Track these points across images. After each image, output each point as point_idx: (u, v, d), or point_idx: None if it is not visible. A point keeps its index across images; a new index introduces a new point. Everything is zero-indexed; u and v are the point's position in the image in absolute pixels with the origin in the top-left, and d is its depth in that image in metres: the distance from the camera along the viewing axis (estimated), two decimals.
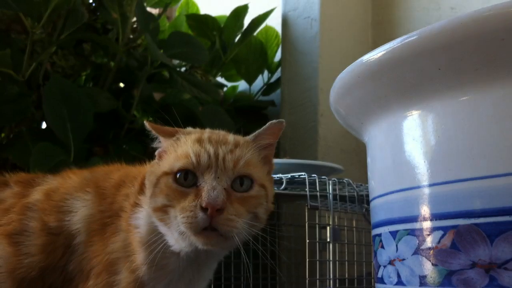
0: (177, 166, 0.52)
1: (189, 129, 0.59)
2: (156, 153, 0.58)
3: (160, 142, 0.58)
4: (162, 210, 0.52)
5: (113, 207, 0.57)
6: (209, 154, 0.52)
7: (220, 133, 0.58)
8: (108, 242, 0.56)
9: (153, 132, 0.57)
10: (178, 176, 0.52)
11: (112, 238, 0.56)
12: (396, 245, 0.44)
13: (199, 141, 0.55)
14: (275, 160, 0.97)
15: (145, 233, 0.55)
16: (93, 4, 1.24)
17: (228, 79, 1.60)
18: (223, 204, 0.49)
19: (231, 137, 0.57)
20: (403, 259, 0.43)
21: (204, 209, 0.49)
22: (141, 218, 0.56)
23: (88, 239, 0.56)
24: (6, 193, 0.61)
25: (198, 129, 0.59)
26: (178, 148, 0.55)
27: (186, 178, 0.52)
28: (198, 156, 0.52)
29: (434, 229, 0.40)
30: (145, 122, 0.57)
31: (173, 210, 0.51)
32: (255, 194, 0.54)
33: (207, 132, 0.57)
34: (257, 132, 0.58)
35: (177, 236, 0.52)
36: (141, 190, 0.57)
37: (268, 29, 1.53)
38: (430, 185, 0.41)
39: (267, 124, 0.58)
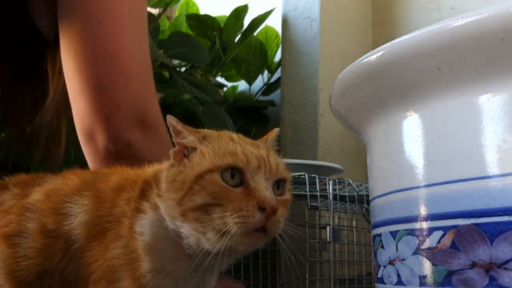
0: (225, 163, 0.51)
1: (200, 130, 0.57)
2: (171, 152, 0.55)
3: (184, 138, 0.55)
4: (202, 210, 0.50)
5: (113, 212, 0.55)
6: (255, 154, 0.52)
7: (240, 136, 0.57)
8: (108, 248, 0.54)
9: (178, 128, 0.55)
10: (224, 174, 0.50)
11: (112, 244, 0.54)
12: (396, 245, 0.44)
13: (234, 141, 0.54)
14: None
15: (151, 240, 0.53)
16: None
17: (228, 79, 1.60)
18: (276, 205, 0.50)
19: (253, 140, 0.56)
20: (403, 259, 0.43)
21: (261, 209, 0.49)
22: (145, 224, 0.54)
23: (86, 244, 0.54)
24: (5, 196, 0.60)
25: (213, 131, 0.58)
26: (216, 146, 0.53)
27: (233, 176, 0.50)
28: (246, 155, 0.51)
29: (434, 229, 0.40)
30: (168, 117, 0.55)
31: (219, 209, 0.50)
32: (288, 197, 0.55)
33: (234, 135, 0.56)
34: (267, 139, 0.59)
35: (213, 236, 0.50)
36: (143, 195, 0.55)
37: (268, 29, 1.53)
38: (430, 185, 0.41)
39: (274, 131, 0.60)
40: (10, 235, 0.55)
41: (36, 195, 0.59)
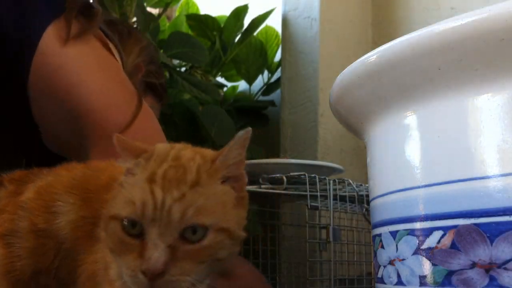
0: (123, 213, 0.46)
1: (160, 146, 0.51)
2: (125, 170, 0.51)
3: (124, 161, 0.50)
4: (113, 251, 0.48)
5: (98, 213, 0.52)
6: (156, 203, 0.45)
7: (183, 161, 0.50)
8: (91, 250, 0.53)
9: (118, 150, 0.50)
10: (124, 224, 0.46)
11: (95, 247, 0.52)
12: (396, 245, 0.44)
13: (151, 180, 0.47)
14: (275, 160, 0.98)
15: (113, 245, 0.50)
16: None
17: (228, 79, 1.60)
18: (163, 267, 0.44)
19: (192, 170, 0.48)
20: (403, 259, 0.43)
21: (144, 272, 0.45)
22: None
23: (74, 245, 0.53)
24: (0, 194, 0.59)
25: (165, 150, 0.50)
26: (130, 185, 0.48)
27: (134, 226, 0.46)
28: (143, 206, 0.45)
29: (434, 229, 0.40)
30: (114, 136, 0.49)
31: (119, 259, 0.47)
32: (209, 244, 0.47)
33: (167, 163, 0.49)
34: (227, 148, 0.50)
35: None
36: None
37: (268, 29, 1.53)
38: (430, 185, 0.41)
39: (236, 137, 0.49)
40: (4, 235, 0.55)
41: (28, 192, 0.57)
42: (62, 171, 0.59)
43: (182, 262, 0.46)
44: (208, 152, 0.51)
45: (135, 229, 0.46)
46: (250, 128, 0.49)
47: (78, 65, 0.73)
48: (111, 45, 0.81)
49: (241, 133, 0.49)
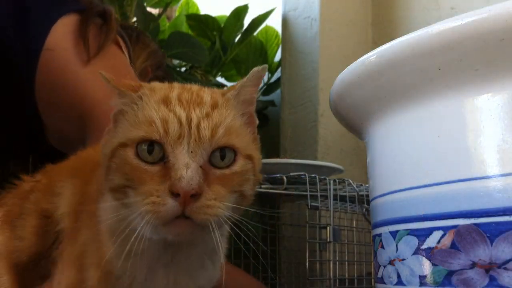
0: (138, 136, 0.41)
1: (155, 83, 0.47)
2: (112, 115, 0.46)
3: (118, 99, 0.46)
4: (121, 192, 0.42)
5: (88, 193, 0.50)
6: (180, 120, 0.41)
7: (193, 89, 0.46)
8: (80, 232, 0.49)
9: (110, 86, 0.45)
10: (140, 148, 0.41)
11: (83, 229, 0.49)
12: (396, 245, 0.44)
13: (166, 101, 0.43)
14: (275, 160, 0.98)
15: (111, 223, 0.46)
16: None
17: (228, 79, 1.60)
18: (199, 188, 0.39)
19: (207, 94, 0.45)
20: (403, 259, 0.43)
21: (175, 195, 0.39)
22: (105, 206, 0.47)
23: (66, 227, 0.50)
24: (26, 184, 0.58)
25: (165, 84, 0.47)
26: (139, 110, 0.43)
27: (151, 151, 0.41)
28: (166, 123, 0.41)
29: (434, 229, 0.40)
30: (100, 72, 0.45)
31: (133, 193, 0.41)
32: (240, 170, 0.43)
33: (176, 88, 0.45)
34: (240, 83, 0.46)
35: (141, 222, 0.41)
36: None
37: (268, 29, 1.53)
38: (430, 185, 0.41)
39: (252, 72, 0.46)
40: (11, 219, 0.54)
41: (39, 175, 0.56)
42: (72, 155, 0.57)
43: (215, 186, 0.41)
44: (216, 89, 0.48)
45: (153, 154, 0.41)
46: (266, 65, 0.47)
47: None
48: (121, 42, 0.82)
49: (256, 69, 0.46)
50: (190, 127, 0.41)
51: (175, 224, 0.40)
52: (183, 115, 0.41)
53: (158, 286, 0.48)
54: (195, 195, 0.39)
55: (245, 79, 0.46)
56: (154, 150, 0.41)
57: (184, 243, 0.47)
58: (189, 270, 0.49)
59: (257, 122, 0.49)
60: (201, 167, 0.41)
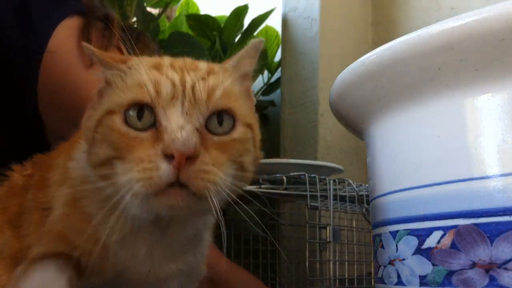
0: (127, 99, 0.38)
1: (145, 57, 0.45)
2: (96, 92, 0.44)
3: (104, 71, 0.43)
4: (107, 165, 0.38)
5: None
6: (173, 81, 0.38)
7: (187, 59, 0.44)
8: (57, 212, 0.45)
9: (95, 58, 0.42)
10: (129, 114, 0.38)
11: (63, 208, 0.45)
12: (396, 245, 0.44)
13: (158, 66, 0.40)
14: (275, 160, 0.98)
15: (95, 202, 0.42)
16: None
17: None
18: (195, 149, 0.35)
19: (202, 63, 0.43)
20: (403, 259, 0.43)
21: (168, 158, 0.35)
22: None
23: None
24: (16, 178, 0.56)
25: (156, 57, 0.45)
26: (128, 77, 0.40)
27: (141, 116, 0.38)
28: (158, 85, 0.38)
29: (434, 229, 0.40)
30: (83, 44, 0.43)
31: (121, 163, 0.37)
32: (239, 137, 0.40)
33: (168, 58, 0.43)
34: (238, 55, 0.44)
35: (129, 199, 0.37)
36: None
37: (268, 29, 1.53)
38: (430, 185, 0.41)
39: (250, 44, 0.44)
40: (11, 219, 0.52)
41: (31, 169, 0.54)
42: (64, 143, 0.55)
43: (213, 151, 0.37)
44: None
45: (143, 120, 0.38)
46: (263, 39, 0.45)
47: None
48: (122, 47, 0.83)
49: (254, 41, 0.44)
50: (184, 88, 0.38)
51: (169, 194, 0.36)
52: (176, 77, 0.39)
53: (140, 267, 0.44)
54: (192, 158, 0.35)
55: (243, 50, 0.44)
56: (144, 115, 0.38)
57: (176, 221, 0.44)
58: (173, 253, 0.46)
59: (255, 100, 0.47)
60: (197, 130, 0.37)
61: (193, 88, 0.38)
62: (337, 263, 0.86)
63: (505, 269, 0.35)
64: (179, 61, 0.42)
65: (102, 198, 0.41)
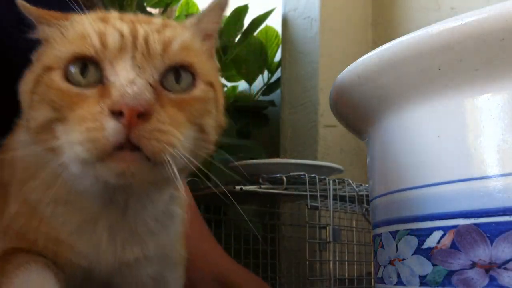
0: (67, 53, 0.34)
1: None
2: (35, 56, 0.39)
3: (42, 30, 0.38)
4: (47, 129, 0.34)
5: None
6: (122, 32, 0.34)
7: (140, 14, 0.40)
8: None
9: (32, 16, 0.38)
10: (71, 70, 0.33)
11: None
12: (396, 245, 0.44)
13: (104, 19, 0.36)
14: (275, 160, 0.98)
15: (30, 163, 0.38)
16: None
17: (228, 79, 1.60)
18: (148, 105, 0.31)
19: (157, 18, 0.39)
20: (403, 259, 0.43)
21: (117, 115, 0.30)
22: (20, 141, 0.40)
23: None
24: None
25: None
26: (70, 31, 0.36)
27: (85, 71, 0.33)
28: (103, 35, 0.33)
29: (434, 229, 0.40)
30: (17, 1, 0.39)
31: (62, 126, 0.32)
32: (200, 95, 0.35)
33: (116, 13, 0.39)
34: (201, 12, 0.41)
35: (72, 167, 0.33)
36: None
37: (268, 29, 1.53)
38: (430, 185, 0.41)
39: (212, 2, 0.41)
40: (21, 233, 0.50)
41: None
42: None
43: (169, 109, 0.33)
44: None
45: (87, 77, 0.33)
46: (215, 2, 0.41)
47: None
48: None
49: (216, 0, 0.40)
50: (136, 39, 0.34)
51: (118, 158, 0.31)
52: (126, 28, 0.34)
53: (106, 258, 0.40)
54: (144, 115, 0.31)
55: (206, 9, 0.41)
56: (88, 71, 0.33)
57: (133, 198, 0.38)
58: (140, 235, 0.41)
59: (218, 66, 0.43)
60: (151, 85, 0.33)
61: (146, 40, 0.34)
62: (337, 263, 0.86)
63: (505, 269, 0.35)
64: (130, 15, 0.38)
65: (47, 178, 0.36)
